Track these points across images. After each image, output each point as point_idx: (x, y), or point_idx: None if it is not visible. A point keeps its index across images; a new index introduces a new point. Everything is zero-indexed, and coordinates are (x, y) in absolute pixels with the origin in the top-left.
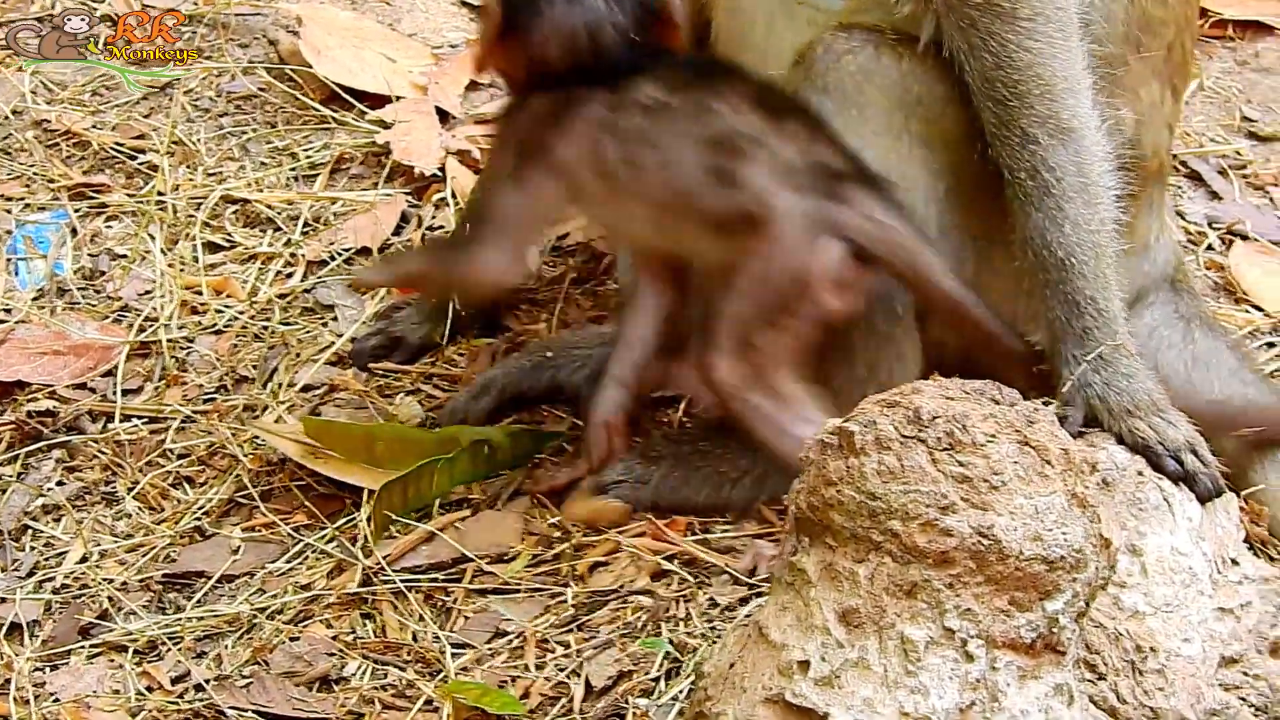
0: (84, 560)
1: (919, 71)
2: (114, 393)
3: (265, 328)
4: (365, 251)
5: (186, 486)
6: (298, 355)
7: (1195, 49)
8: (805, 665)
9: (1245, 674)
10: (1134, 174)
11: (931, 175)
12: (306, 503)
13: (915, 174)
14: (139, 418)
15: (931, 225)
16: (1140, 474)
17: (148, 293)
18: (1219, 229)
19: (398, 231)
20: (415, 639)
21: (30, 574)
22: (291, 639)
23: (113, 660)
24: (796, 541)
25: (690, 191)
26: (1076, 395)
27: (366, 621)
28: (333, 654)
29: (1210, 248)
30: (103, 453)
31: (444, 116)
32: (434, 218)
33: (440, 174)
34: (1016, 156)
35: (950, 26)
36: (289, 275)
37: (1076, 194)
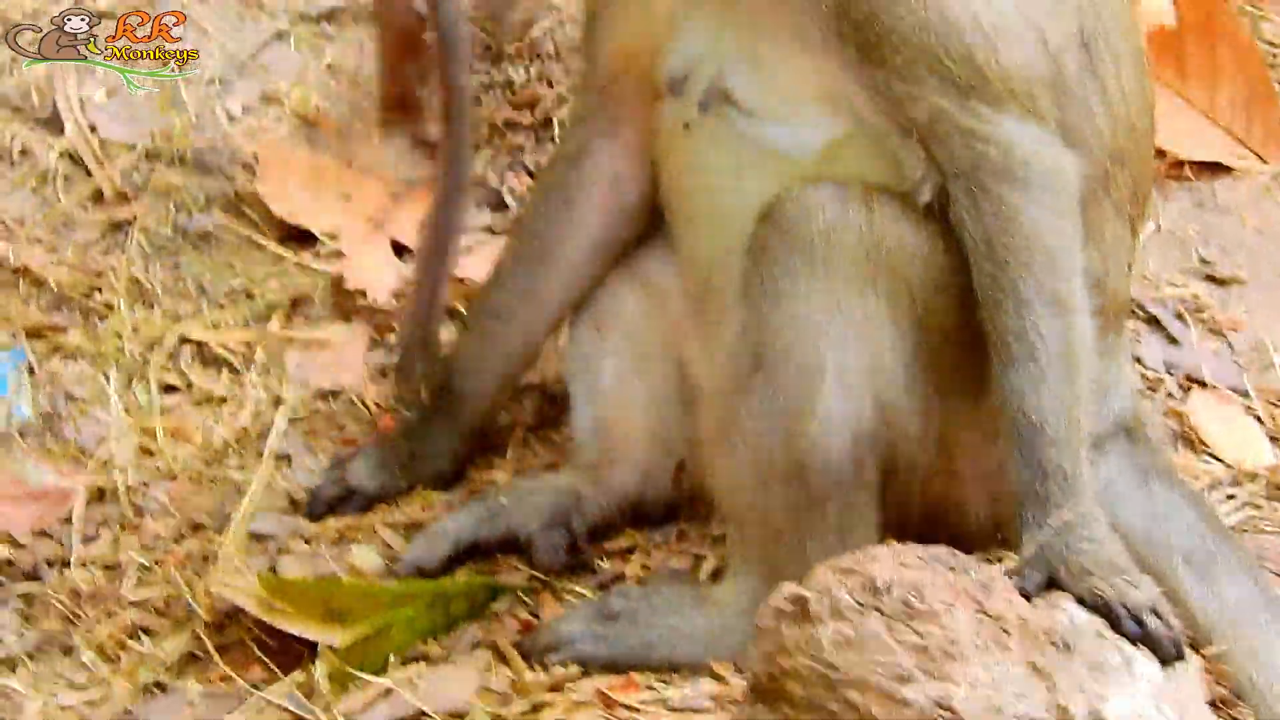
0: (43, 711)
1: (889, 225)
2: (71, 539)
3: (221, 473)
4: (327, 394)
5: (143, 637)
6: (254, 502)
7: (1154, 188)
8: None
9: None
10: (1097, 316)
11: (899, 330)
12: (262, 656)
13: (883, 330)
14: (96, 566)
15: (899, 380)
16: (1100, 635)
17: (105, 436)
18: (1176, 375)
19: None
20: None
21: None
22: None
23: None
24: (753, 709)
25: None
26: (1038, 558)
27: None
28: None
29: (1170, 394)
30: (61, 602)
31: (399, 250)
32: (396, 355)
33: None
34: (1007, 320)
35: (957, 188)
36: (245, 419)
37: (1061, 365)
